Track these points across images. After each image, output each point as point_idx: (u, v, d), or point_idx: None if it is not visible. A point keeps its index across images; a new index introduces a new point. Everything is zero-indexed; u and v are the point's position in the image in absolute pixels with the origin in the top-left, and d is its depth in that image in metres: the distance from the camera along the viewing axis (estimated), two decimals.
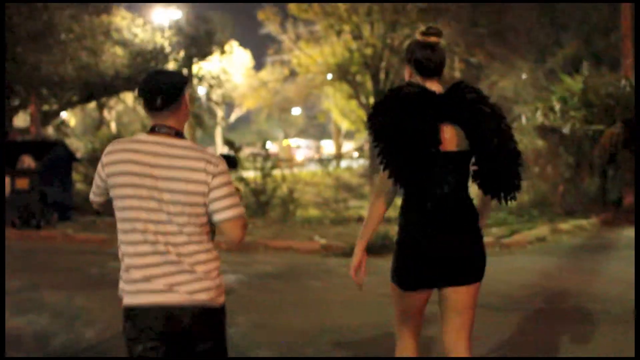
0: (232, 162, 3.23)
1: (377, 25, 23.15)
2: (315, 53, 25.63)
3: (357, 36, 23.68)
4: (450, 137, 3.24)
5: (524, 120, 16.64)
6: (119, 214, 2.91)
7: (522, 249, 10.43)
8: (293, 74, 28.19)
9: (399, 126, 3.13)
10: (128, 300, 2.86)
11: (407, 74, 3.43)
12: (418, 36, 3.36)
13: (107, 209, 3.13)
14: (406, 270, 3.32)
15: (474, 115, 3.24)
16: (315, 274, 9.02)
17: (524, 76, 22.88)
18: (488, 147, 3.23)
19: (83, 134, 38.56)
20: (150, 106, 2.91)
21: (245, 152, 15.88)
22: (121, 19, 21.12)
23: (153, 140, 2.89)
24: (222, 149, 42.69)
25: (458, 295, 3.35)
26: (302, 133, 55.25)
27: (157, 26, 22.98)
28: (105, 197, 3.05)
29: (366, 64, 23.33)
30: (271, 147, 31.77)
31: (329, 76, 25.98)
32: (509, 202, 3.35)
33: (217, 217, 2.90)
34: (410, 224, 3.31)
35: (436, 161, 3.15)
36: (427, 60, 3.32)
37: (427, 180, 3.16)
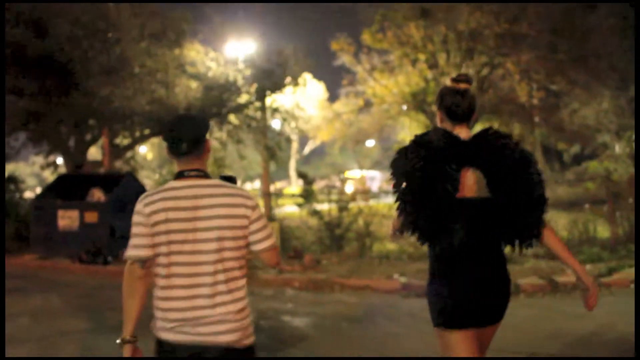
0: (233, 182, 3.32)
1: (453, 54, 22.41)
2: (390, 83, 25.01)
3: (432, 65, 22.99)
4: (471, 184, 3.28)
5: (617, 149, 15.53)
6: (161, 260, 2.99)
7: (625, 290, 9.36)
8: (368, 104, 27.55)
9: (417, 172, 3.21)
10: (158, 334, 3.02)
11: (439, 119, 3.50)
12: (448, 82, 3.50)
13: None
14: (440, 314, 3.33)
15: (498, 161, 3.28)
16: (395, 317, 8.22)
17: (604, 104, 21.77)
18: (507, 194, 3.25)
19: (159, 167, 38.92)
20: (176, 151, 3.05)
21: (320, 184, 15.25)
22: (195, 52, 20.95)
23: (187, 185, 3.03)
24: (296, 181, 42.41)
25: (483, 333, 3.38)
26: (376, 165, 54.56)
27: (230, 59, 22.77)
28: (152, 250, 3.01)
29: None
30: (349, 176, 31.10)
31: (404, 107, 25.25)
32: (525, 250, 3.38)
33: (257, 247, 3.10)
34: (434, 269, 3.37)
35: (450, 209, 3.21)
36: (457, 106, 3.40)
37: (436, 228, 3.23)
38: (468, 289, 3.27)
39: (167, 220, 2.95)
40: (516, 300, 8.81)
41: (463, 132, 3.39)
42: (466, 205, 3.25)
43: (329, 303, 9.25)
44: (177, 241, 2.95)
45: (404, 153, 3.31)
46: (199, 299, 2.93)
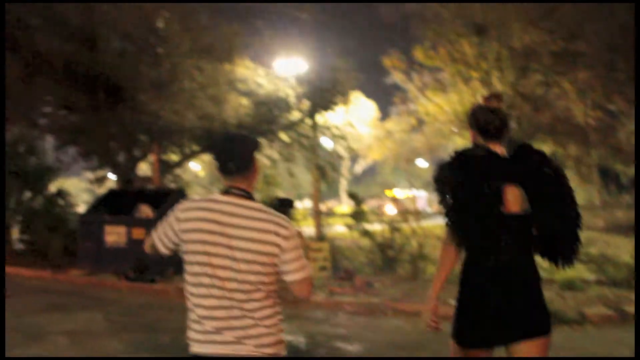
0: (288, 204, 3.45)
1: (507, 72, 21.81)
2: (442, 101, 24.53)
3: (486, 83, 22.40)
4: (514, 199, 3.32)
5: None
6: (188, 268, 3.02)
7: None
8: (420, 123, 27.09)
9: (463, 187, 3.27)
10: (198, 349, 3.00)
11: (472, 137, 3.56)
12: (480, 101, 3.61)
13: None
14: (464, 328, 3.38)
15: (536, 177, 3.33)
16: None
17: None
18: (548, 209, 3.30)
19: (210, 184, 38.97)
20: (224, 170, 3.08)
21: (371, 204, 14.79)
22: (244, 68, 20.75)
23: (227, 201, 3.04)
24: (346, 201, 41.95)
25: (523, 350, 3.31)
26: (426, 185, 53.79)
27: (281, 76, 22.54)
28: (172, 250, 3.16)
29: None
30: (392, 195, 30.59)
31: (455, 130, 24.73)
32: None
33: (288, 278, 3.04)
34: (470, 282, 3.38)
35: (497, 223, 3.25)
36: (489, 124, 3.47)
37: (487, 242, 3.26)
38: (494, 307, 3.29)
39: (195, 230, 3.00)
40: (582, 331, 8.29)
41: (497, 149, 3.46)
42: (513, 220, 3.30)
43: (383, 329, 8.80)
44: (205, 252, 2.96)
45: (447, 168, 3.37)
46: (221, 310, 2.94)
